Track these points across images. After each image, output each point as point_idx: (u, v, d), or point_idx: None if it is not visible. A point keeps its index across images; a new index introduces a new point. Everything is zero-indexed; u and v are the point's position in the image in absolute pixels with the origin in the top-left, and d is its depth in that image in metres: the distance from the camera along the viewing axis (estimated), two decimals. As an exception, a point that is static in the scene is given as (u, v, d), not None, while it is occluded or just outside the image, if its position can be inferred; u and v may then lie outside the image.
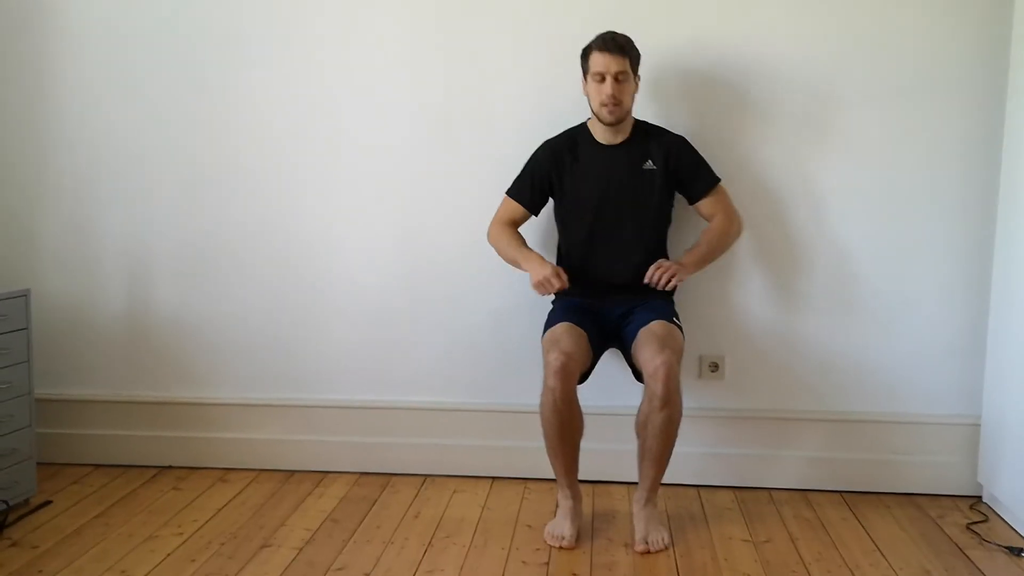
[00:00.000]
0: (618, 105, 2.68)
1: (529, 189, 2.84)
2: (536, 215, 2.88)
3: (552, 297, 2.89)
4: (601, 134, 2.80)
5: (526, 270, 2.75)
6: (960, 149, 2.88)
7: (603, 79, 2.66)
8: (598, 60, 2.67)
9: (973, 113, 2.86)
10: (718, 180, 2.84)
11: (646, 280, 2.69)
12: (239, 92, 3.08)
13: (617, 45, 2.66)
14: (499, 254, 2.86)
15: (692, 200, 2.84)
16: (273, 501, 2.91)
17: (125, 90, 3.11)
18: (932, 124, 2.88)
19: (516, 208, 2.86)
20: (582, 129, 2.85)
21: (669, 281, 2.66)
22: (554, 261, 2.88)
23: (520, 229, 2.88)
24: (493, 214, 2.94)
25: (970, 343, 2.93)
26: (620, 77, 2.66)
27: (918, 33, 2.86)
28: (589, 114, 2.81)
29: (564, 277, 2.68)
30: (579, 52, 2.81)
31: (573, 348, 2.59)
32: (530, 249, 2.80)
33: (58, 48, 3.11)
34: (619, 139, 2.79)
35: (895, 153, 2.90)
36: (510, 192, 2.87)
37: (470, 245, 3.03)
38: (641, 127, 2.84)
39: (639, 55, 2.75)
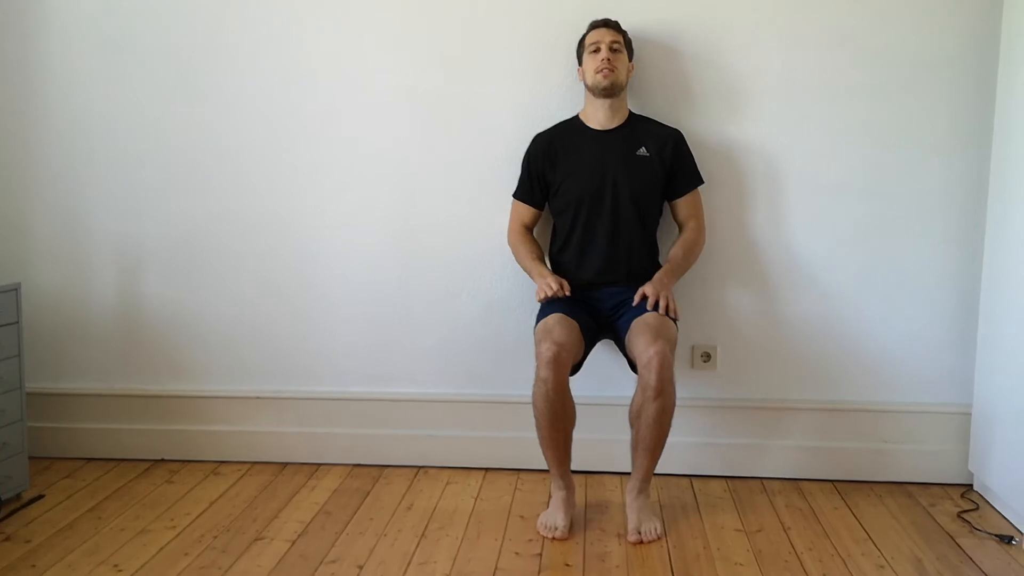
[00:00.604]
0: (613, 71, 2.71)
1: (529, 185, 2.86)
2: (543, 209, 2.89)
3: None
4: (594, 119, 2.81)
5: (535, 281, 2.78)
6: (950, 140, 2.88)
7: (598, 50, 2.73)
8: (593, 35, 2.77)
9: (962, 104, 2.86)
10: (702, 182, 2.85)
11: (639, 304, 2.68)
12: (230, 85, 3.06)
13: (611, 21, 2.79)
14: (517, 262, 2.90)
15: (673, 196, 2.84)
16: (266, 494, 2.91)
17: (115, 84, 3.09)
18: (921, 115, 2.88)
19: (524, 208, 2.88)
20: (574, 120, 2.86)
21: (668, 306, 2.66)
22: (547, 251, 2.91)
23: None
24: (486, 205, 2.98)
25: (961, 332, 2.94)
26: (614, 46, 2.74)
27: (906, 24, 2.85)
28: (580, 108, 2.85)
29: (566, 286, 2.70)
30: (572, 41, 2.84)
31: (565, 338, 2.59)
32: (542, 262, 2.83)
33: (47, 42, 3.09)
34: (613, 123, 2.80)
35: (885, 145, 2.90)
36: (515, 194, 2.89)
37: (462, 237, 3.03)
38: (636, 117, 2.85)
39: (632, 43, 2.82)
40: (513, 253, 2.91)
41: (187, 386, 3.19)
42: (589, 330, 2.73)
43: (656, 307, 2.64)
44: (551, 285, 2.68)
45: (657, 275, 2.74)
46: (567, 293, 2.70)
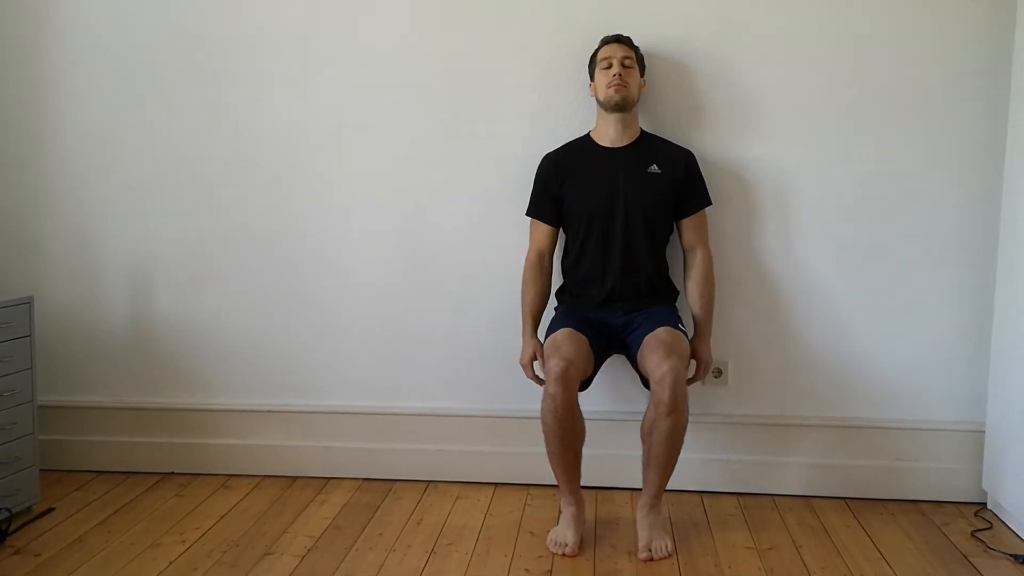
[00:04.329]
0: (624, 86, 2.71)
1: (542, 203, 2.85)
2: (559, 227, 2.87)
3: (555, 303, 2.90)
4: (605, 136, 2.80)
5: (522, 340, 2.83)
6: (962, 157, 2.87)
7: (610, 65, 2.74)
8: (605, 50, 2.78)
9: (974, 121, 2.85)
10: (710, 203, 2.85)
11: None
12: (241, 100, 3.08)
13: (623, 37, 2.80)
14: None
15: (680, 215, 2.83)
16: (276, 508, 2.90)
17: (128, 98, 3.11)
18: (932, 133, 2.87)
19: (541, 227, 2.86)
20: (584, 139, 2.87)
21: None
22: (558, 263, 2.90)
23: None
24: (496, 220, 2.98)
25: (974, 349, 2.92)
26: (626, 62, 2.75)
27: (918, 42, 2.84)
28: (591, 126, 2.86)
29: (534, 373, 2.77)
30: (584, 57, 2.85)
31: (574, 354, 2.58)
32: (536, 319, 2.83)
33: (59, 60, 3.11)
34: (625, 140, 2.80)
35: (896, 162, 2.89)
36: (529, 212, 2.87)
37: (472, 251, 3.03)
38: (648, 136, 2.85)
39: (644, 59, 2.82)
40: (521, 286, 2.86)
41: (197, 399, 3.19)
42: (599, 346, 2.72)
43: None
44: (525, 364, 2.77)
45: (702, 344, 2.81)
46: (539, 375, 2.74)
